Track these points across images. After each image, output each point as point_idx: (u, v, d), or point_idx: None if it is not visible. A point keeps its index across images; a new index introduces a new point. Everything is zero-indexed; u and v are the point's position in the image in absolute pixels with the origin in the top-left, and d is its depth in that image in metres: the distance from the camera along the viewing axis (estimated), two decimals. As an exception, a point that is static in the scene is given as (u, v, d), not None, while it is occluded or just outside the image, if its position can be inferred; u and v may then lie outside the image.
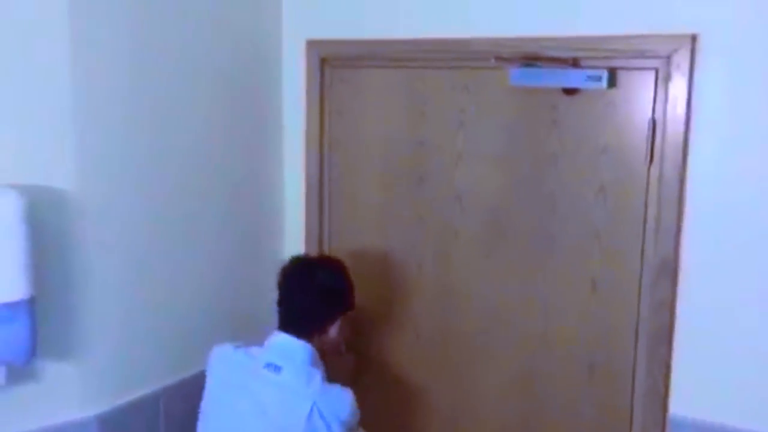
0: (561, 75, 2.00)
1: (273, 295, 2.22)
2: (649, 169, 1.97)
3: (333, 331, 2.00)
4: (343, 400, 1.87)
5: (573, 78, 1.99)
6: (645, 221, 1.99)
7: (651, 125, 1.95)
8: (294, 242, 2.52)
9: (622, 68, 1.97)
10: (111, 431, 1.99)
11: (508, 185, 2.18)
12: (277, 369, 1.88)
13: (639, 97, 1.97)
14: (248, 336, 2.45)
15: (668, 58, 1.89)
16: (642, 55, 1.92)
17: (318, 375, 1.88)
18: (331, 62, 2.40)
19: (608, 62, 1.96)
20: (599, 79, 1.94)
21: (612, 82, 1.96)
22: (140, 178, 2.03)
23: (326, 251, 2.49)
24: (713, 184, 1.89)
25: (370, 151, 2.39)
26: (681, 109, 1.89)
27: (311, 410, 1.81)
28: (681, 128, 1.90)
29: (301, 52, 2.41)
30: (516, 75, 2.04)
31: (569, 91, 2.04)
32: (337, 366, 2.09)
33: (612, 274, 2.05)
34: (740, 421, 1.89)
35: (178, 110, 2.13)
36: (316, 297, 1.99)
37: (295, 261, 2.07)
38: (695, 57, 1.86)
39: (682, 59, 1.87)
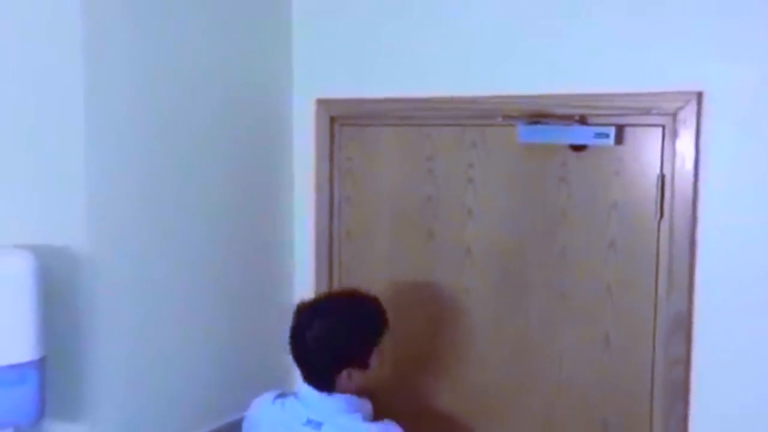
0: (569, 132, 2.02)
1: (279, 362, 2.21)
2: (659, 224, 1.98)
3: (372, 363, 1.90)
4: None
5: (581, 135, 2.01)
6: (657, 276, 1.99)
7: (660, 181, 1.96)
8: (303, 296, 2.51)
9: (630, 125, 1.99)
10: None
11: (518, 241, 2.18)
12: (318, 426, 1.83)
13: (647, 153, 1.99)
14: (258, 390, 2.44)
15: (674, 115, 1.91)
16: (649, 112, 1.95)
17: (358, 417, 1.83)
18: (341, 120, 2.43)
19: (615, 119, 1.98)
20: (607, 136, 1.96)
21: (619, 138, 1.98)
22: (153, 236, 2.03)
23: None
24: (723, 238, 1.89)
25: (380, 207, 2.40)
26: (689, 164, 1.90)
27: None
28: (690, 183, 1.91)
29: (311, 110, 2.45)
30: (524, 132, 2.06)
31: (577, 148, 2.06)
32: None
33: (625, 329, 2.04)
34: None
35: (191, 169, 2.14)
36: (324, 354, 1.87)
37: (297, 315, 1.96)
38: (701, 113, 1.89)
39: (688, 116, 1.89)
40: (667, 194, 1.96)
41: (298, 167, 2.51)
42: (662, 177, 1.96)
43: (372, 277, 2.42)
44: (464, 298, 2.26)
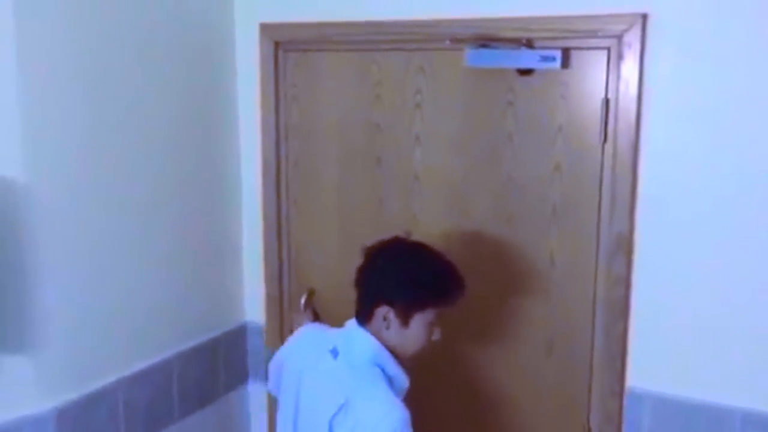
0: (516, 56, 2.02)
1: (235, 282, 2.20)
2: (603, 147, 2.01)
3: (415, 326, 1.71)
4: (383, 411, 1.60)
5: (527, 58, 2.00)
6: (600, 198, 2.03)
7: (604, 104, 1.98)
8: (252, 228, 2.51)
9: (576, 48, 1.99)
10: (70, 424, 1.95)
11: (465, 165, 2.19)
12: (335, 354, 1.74)
13: (592, 76, 2.00)
14: (210, 326, 2.45)
15: (620, 38, 1.92)
16: (594, 35, 1.95)
17: (377, 374, 1.67)
18: (285, 46, 2.37)
19: (562, 42, 1.98)
20: (553, 59, 1.96)
21: (566, 62, 1.99)
22: (92, 167, 1.98)
23: (285, 236, 2.48)
24: (665, 160, 1.93)
25: (327, 135, 2.38)
26: (633, 88, 1.92)
27: (340, 408, 1.63)
28: (633, 107, 1.93)
29: (254, 36, 2.38)
30: (471, 56, 2.05)
31: (524, 72, 2.06)
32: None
33: (569, 250, 2.09)
34: (697, 392, 1.95)
35: (132, 103, 2.08)
36: (381, 278, 1.74)
37: (380, 243, 1.81)
38: (646, 36, 1.89)
39: (633, 38, 1.90)
40: (611, 118, 1.98)
41: (242, 95, 2.46)
42: (606, 101, 1.98)
43: (321, 205, 2.42)
44: (412, 222, 2.28)
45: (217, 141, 2.42)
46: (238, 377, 2.57)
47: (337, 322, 2.41)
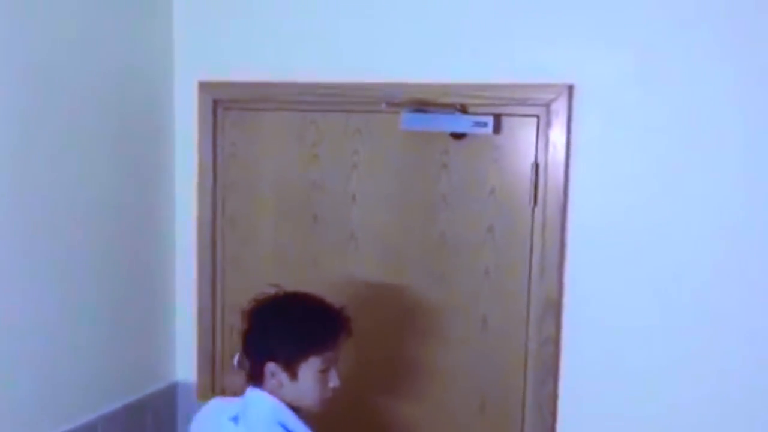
0: (449, 120, 2.08)
1: (166, 340, 2.16)
2: (533, 210, 2.07)
3: (304, 377, 1.70)
4: None
5: (460, 123, 2.07)
6: (531, 260, 2.08)
7: (534, 169, 2.06)
8: (186, 287, 2.47)
9: (507, 115, 2.07)
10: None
11: (401, 225, 2.23)
12: (236, 420, 1.73)
13: (523, 142, 2.07)
14: (139, 386, 2.38)
15: (548, 106, 2.00)
16: (524, 102, 2.03)
17: (273, 431, 1.67)
18: (224, 104, 2.39)
19: (493, 109, 2.06)
20: (485, 125, 2.03)
21: (497, 127, 2.06)
22: (18, 220, 1.94)
23: (219, 294, 2.45)
24: (592, 224, 2.01)
25: (265, 193, 2.38)
26: (561, 153, 2.00)
27: None
28: (561, 172, 2.01)
29: (193, 93, 2.39)
30: (406, 119, 2.11)
31: (457, 136, 2.12)
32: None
33: (501, 311, 2.13)
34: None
35: (65, 159, 2.06)
36: (260, 337, 1.74)
37: (255, 302, 1.81)
38: (572, 105, 1.99)
39: (560, 107, 1.99)
40: (541, 182, 2.05)
41: (179, 153, 2.45)
42: (536, 165, 2.05)
43: (257, 265, 2.41)
44: (349, 283, 2.29)
45: (152, 197, 2.40)
46: (168, 439, 2.50)
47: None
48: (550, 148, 2.02)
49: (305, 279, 2.32)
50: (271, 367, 1.70)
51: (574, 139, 2.00)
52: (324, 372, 1.72)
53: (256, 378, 1.74)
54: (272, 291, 1.80)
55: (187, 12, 2.39)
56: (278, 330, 1.72)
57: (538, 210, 2.06)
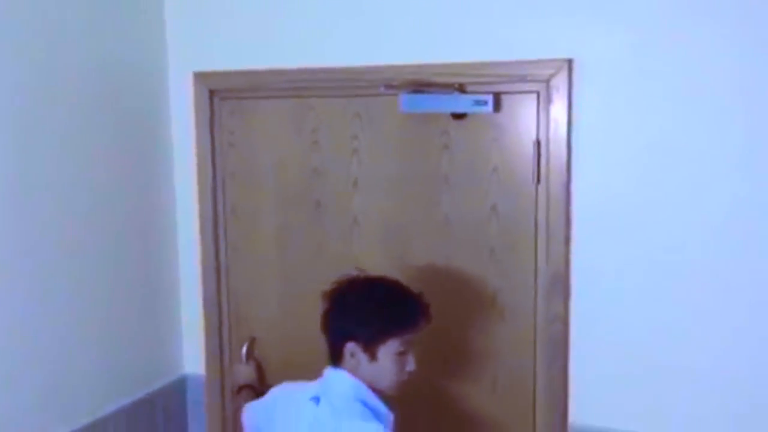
0: (448, 100, 2.06)
1: (173, 334, 2.14)
2: (536, 188, 2.06)
3: (383, 358, 1.73)
4: None
5: (460, 103, 2.05)
6: (536, 238, 2.07)
7: (536, 146, 2.04)
8: (191, 279, 2.46)
9: (506, 92, 2.05)
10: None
11: (404, 208, 2.22)
12: (316, 401, 1.76)
13: (524, 119, 2.06)
14: (148, 381, 2.38)
15: (548, 82, 1.98)
16: (524, 79, 2.02)
17: (359, 409, 1.70)
18: (220, 94, 2.37)
19: (493, 87, 2.04)
20: (485, 103, 2.02)
21: (497, 106, 2.04)
22: (18, 219, 1.93)
23: (224, 284, 2.44)
24: (596, 199, 2.00)
25: (265, 180, 2.37)
26: (562, 129, 1.99)
27: None
28: (563, 147, 1.99)
29: (188, 84, 2.37)
30: (405, 101, 2.09)
31: (458, 116, 2.11)
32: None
33: (509, 289, 2.12)
34: (639, 426, 1.99)
35: (64, 155, 2.04)
36: (342, 317, 1.77)
37: (337, 284, 1.83)
38: (572, 80, 1.97)
39: (560, 82, 1.97)
40: (543, 159, 2.04)
41: (178, 145, 2.43)
42: (538, 142, 2.04)
43: (260, 252, 2.40)
44: (353, 265, 2.27)
45: (153, 190, 2.39)
46: (179, 431, 2.50)
47: (281, 370, 2.40)
48: (552, 125, 2.00)
49: (310, 266, 2.33)
50: (350, 347, 1.73)
51: (575, 115, 1.98)
52: (402, 355, 1.74)
53: (335, 358, 1.77)
54: (354, 274, 1.83)
55: (180, 2, 2.36)
56: (360, 311, 1.75)
57: (541, 187, 2.05)
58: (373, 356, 1.73)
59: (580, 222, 2.01)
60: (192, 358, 2.50)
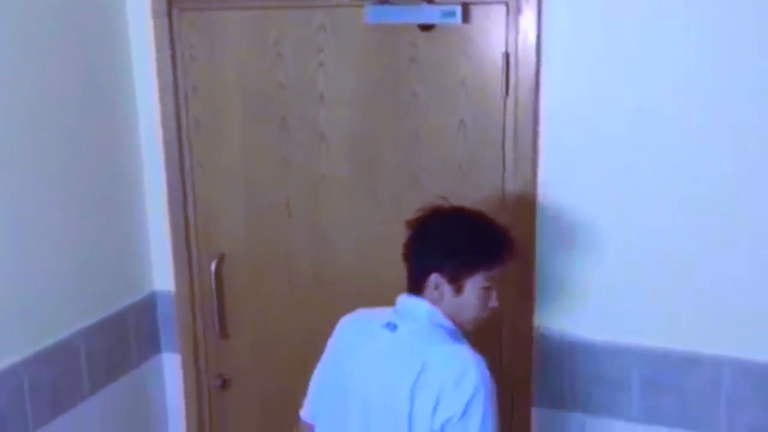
0: (416, 11, 2.01)
1: (141, 251, 2.10)
2: (505, 101, 2.03)
3: (469, 292, 1.66)
4: (464, 363, 1.58)
5: (428, 14, 2.00)
6: (504, 152, 2.06)
7: (505, 58, 2.00)
8: (156, 195, 2.44)
9: (475, 3, 2.00)
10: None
11: (371, 123, 2.18)
12: (393, 328, 1.67)
13: (492, 31, 2.01)
14: (118, 298, 2.38)
15: (517, -8, 1.93)
16: (493, -11, 1.96)
17: (440, 333, 1.65)
18: (179, 5, 2.28)
19: (461, -3, 1.98)
20: (453, 14, 1.96)
21: (466, 17, 1.99)
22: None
23: (190, 201, 2.42)
24: (564, 112, 1.98)
25: (229, 96, 2.31)
26: (531, 41, 1.95)
27: (419, 374, 1.57)
28: (533, 60, 1.96)
29: (145, -5, 2.28)
30: (371, 13, 2.03)
31: (425, 28, 2.05)
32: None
33: (476, 206, 2.11)
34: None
35: (18, 68, 1.97)
36: (428, 248, 1.70)
37: (421, 213, 1.75)
38: (542, -10, 1.92)
39: (530, -8, 1.92)
40: (512, 71, 2.00)
41: (137, 60, 2.36)
42: (507, 55, 2.00)
43: (226, 168, 2.37)
44: (320, 182, 2.26)
45: (114, 107, 2.32)
46: (151, 347, 2.52)
47: (250, 285, 2.41)
48: (521, 37, 1.96)
49: (276, 182, 2.31)
50: (435, 278, 1.66)
51: (544, 26, 1.94)
52: (487, 290, 1.68)
53: (416, 288, 1.70)
54: (437, 203, 1.75)
55: None
56: (449, 241, 1.68)
57: (510, 100, 2.02)
58: (458, 289, 1.66)
59: (548, 135, 2.00)
60: (161, 275, 2.51)
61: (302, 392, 2.37)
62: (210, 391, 2.55)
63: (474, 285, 1.66)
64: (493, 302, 1.71)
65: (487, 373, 1.58)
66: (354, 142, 2.21)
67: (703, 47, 1.83)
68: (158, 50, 2.31)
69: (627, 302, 2.01)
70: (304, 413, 1.85)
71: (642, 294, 1.99)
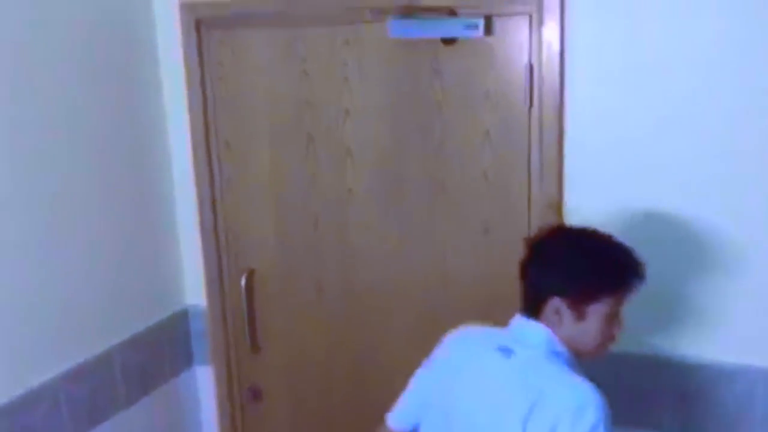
0: (439, 25, 2.02)
1: (173, 267, 2.12)
2: (530, 111, 2.03)
3: (592, 318, 1.55)
4: (584, 396, 1.46)
5: (450, 27, 2.01)
6: (529, 162, 2.06)
7: (529, 69, 2.01)
8: (187, 211, 2.48)
9: (498, 15, 2.00)
10: (9, 423, 1.92)
11: (396, 137, 2.20)
12: (508, 352, 1.57)
13: (515, 42, 2.02)
14: (151, 313, 2.42)
15: (539, 3, 1.93)
16: (514, 1, 1.96)
17: (558, 363, 1.54)
18: (207, 24, 2.32)
19: (483, 10, 1.99)
20: (476, 27, 1.97)
21: (488, 29, 2.00)
22: (7, 158, 1.92)
23: (220, 218, 2.45)
24: (589, 122, 1.97)
25: (256, 112, 2.35)
26: (555, 51, 1.95)
27: (533, 405, 1.47)
28: (556, 70, 1.96)
29: (174, 15, 2.32)
30: (394, 27, 2.05)
31: (448, 42, 2.06)
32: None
33: (502, 215, 2.12)
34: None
35: (48, 88, 2.02)
36: (550, 270, 1.59)
37: (544, 233, 1.67)
38: (565, 1, 1.91)
39: (552, 3, 1.92)
40: (536, 82, 2.00)
41: (167, 78, 2.40)
42: (531, 66, 2.00)
43: (255, 184, 2.40)
44: (347, 196, 2.28)
45: (144, 125, 2.37)
46: (183, 361, 2.56)
47: (279, 299, 2.44)
48: (544, 47, 1.96)
49: (304, 197, 2.34)
50: (556, 302, 1.56)
51: (567, 36, 1.94)
52: (612, 318, 1.57)
53: (533, 311, 1.60)
54: (558, 223, 1.68)
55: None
56: (574, 264, 1.57)
57: (534, 111, 2.02)
58: (581, 315, 1.54)
59: (573, 145, 1.99)
60: (193, 290, 2.54)
61: (334, 404, 2.41)
62: (242, 404, 2.58)
63: (597, 311, 1.55)
64: (618, 328, 1.59)
65: (608, 411, 1.47)
66: (380, 155, 2.23)
67: (724, 54, 1.82)
68: (187, 68, 2.36)
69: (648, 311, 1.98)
70: (394, 420, 1.78)
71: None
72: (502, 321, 1.93)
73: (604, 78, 1.94)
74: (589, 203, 2.00)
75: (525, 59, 2.01)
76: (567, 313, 1.56)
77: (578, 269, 1.56)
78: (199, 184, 2.44)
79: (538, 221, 2.06)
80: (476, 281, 2.19)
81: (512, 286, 2.09)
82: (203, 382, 2.60)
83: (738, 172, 1.87)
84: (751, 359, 1.94)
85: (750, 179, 1.87)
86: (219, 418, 2.59)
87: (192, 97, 2.37)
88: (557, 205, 2.02)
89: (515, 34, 2.01)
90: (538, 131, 2.02)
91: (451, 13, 2.01)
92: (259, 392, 2.54)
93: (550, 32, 1.95)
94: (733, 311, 1.94)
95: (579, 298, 1.54)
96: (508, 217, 2.12)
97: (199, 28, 2.32)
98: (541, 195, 2.05)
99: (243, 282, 2.43)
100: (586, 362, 1.61)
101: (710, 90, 1.85)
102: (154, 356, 2.43)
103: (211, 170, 2.42)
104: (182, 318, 2.54)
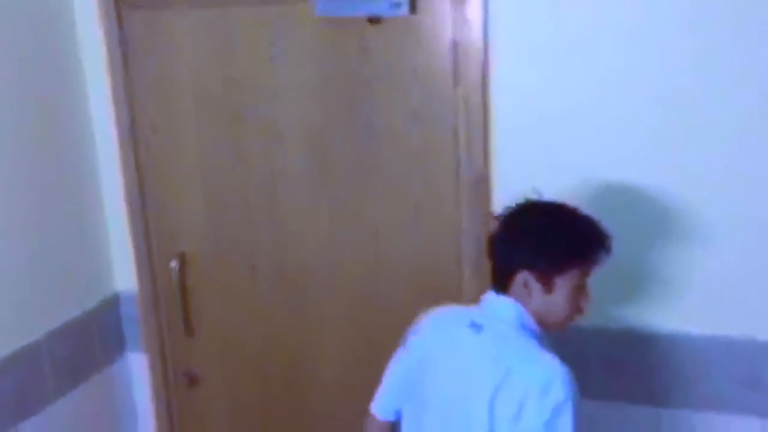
0: (364, 4, 2.01)
1: (101, 254, 2.07)
2: (455, 88, 2.05)
3: (559, 290, 1.57)
4: (552, 372, 1.50)
5: (376, 5, 2.00)
6: (457, 141, 2.08)
7: (453, 47, 2.02)
8: (114, 195, 2.43)
9: (422, -7, 2.01)
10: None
11: (325, 116, 2.19)
12: (478, 328, 1.59)
13: (440, 20, 2.02)
14: (80, 301, 2.37)
15: (462, -19, 1.95)
16: (438, -22, 1.97)
17: (526, 337, 1.57)
18: (128, 4, 2.26)
19: (408, -12, 1.99)
20: (400, 5, 1.97)
21: (413, 8, 2.00)
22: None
23: (149, 200, 2.41)
24: (515, 98, 1.99)
25: (183, 93, 2.30)
26: (477, 30, 1.96)
27: (501, 381, 1.51)
28: (480, 47, 1.98)
29: (92, -5, 2.26)
30: (320, 5, 2.03)
31: (374, 20, 2.06)
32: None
33: (432, 194, 2.14)
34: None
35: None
36: (517, 244, 1.60)
37: (512, 208, 1.67)
38: (486, -22, 1.93)
39: (473, -20, 1.93)
40: (461, 59, 2.02)
41: (88, 62, 2.33)
42: (455, 43, 2.02)
43: (183, 167, 2.37)
44: (278, 177, 2.27)
45: (66, 109, 2.30)
46: (116, 349, 2.52)
47: (212, 282, 2.41)
48: (468, 24, 1.97)
49: (233, 178, 2.31)
50: (524, 275, 1.58)
51: (491, 12, 1.95)
52: (579, 289, 1.60)
53: (502, 286, 1.62)
54: (527, 198, 1.67)
55: None
56: (540, 237, 1.58)
57: (460, 88, 2.04)
58: (549, 288, 1.57)
59: (498, 122, 2.02)
60: (123, 276, 2.50)
61: (270, 387, 2.40)
62: (178, 390, 2.55)
63: (566, 283, 1.58)
64: (585, 301, 1.62)
65: (575, 386, 1.50)
66: (309, 135, 2.22)
67: (647, 28, 1.86)
68: (108, 50, 2.29)
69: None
70: (378, 409, 1.79)
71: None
72: (434, 298, 1.97)
73: (529, 53, 1.96)
74: (517, 178, 2.03)
75: (449, 37, 2.02)
76: (536, 287, 1.58)
77: (545, 242, 1.58)
78: (125, 167, 2.39)
79: (466, 198, 2.09)
80: (408, 259, 2.21)
81: (444, 262, 2.16)
82: (137, 369, 2.56)
83: (670, 141, 1.90)
84: (714, 329, 1.95)
85: (682, 147, 1.90)
86: (155, 405, 2.57)
87: (114, 80, 2.32)
88: (484, 182, 2.05)
89: (439, 12, 2.02)
90: (464, 109, 2.04)
91: (376, -9, 2.00)
92: (194, 377, 2.52)
93: (473, 10, 1.96)
94: (699, 281, 1.95)
95: (547, 271, 1.57)
96: (438, 196, 2.14)
97: (119, 8, 2.26)
98: (469, 171, 2.07)
99: (174, 265, 2.40)
100: (555, 336, 1.64)
101: (635, 63, 1.88)
102: (84, 345, 2.38)
103: (136, 153, 2.38)
104: (113, 304, 2.50)
